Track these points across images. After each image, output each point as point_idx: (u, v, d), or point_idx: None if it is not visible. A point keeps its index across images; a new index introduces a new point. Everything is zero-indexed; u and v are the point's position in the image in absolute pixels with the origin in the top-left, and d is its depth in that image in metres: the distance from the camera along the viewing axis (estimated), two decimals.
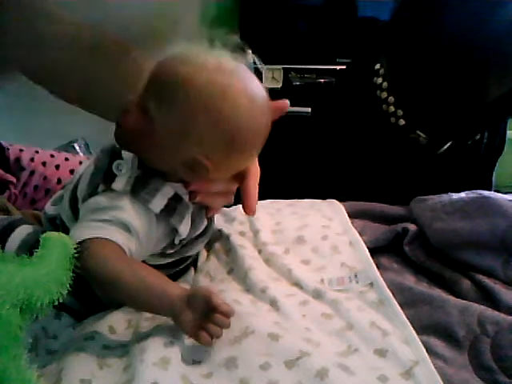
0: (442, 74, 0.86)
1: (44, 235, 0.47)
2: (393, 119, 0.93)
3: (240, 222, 0.73)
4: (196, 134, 0.52)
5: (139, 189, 0.54)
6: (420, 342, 0.51)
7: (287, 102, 0.61)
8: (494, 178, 1.07)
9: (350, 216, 0.74)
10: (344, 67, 1.27)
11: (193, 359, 0.49)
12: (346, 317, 0.54)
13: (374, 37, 1.04)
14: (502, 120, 1.02)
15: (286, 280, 0.61)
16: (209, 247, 0.69)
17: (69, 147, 1.94)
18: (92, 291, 0.55)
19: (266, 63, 1.68)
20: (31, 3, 0.68)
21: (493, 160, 1.06)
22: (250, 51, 1.53)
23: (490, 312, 0.54)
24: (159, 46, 0.54)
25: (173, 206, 0.55)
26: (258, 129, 0.54)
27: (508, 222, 0.61)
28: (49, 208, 0.63)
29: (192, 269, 0.67)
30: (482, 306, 0.55)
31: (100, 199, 0.54)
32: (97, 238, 0.51)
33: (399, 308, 0.55)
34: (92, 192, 0.55)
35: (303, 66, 1.76)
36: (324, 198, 0.81)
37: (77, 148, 1.98)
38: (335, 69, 1.66)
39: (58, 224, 0.61)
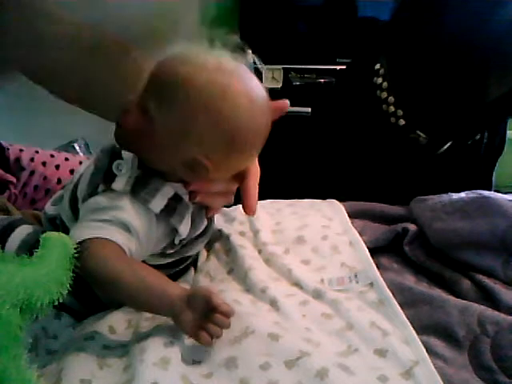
0: (442, 73, 0.86)
1: (44, 235, 0.47)
2: (393, 119, 0.93)
3: (240, 222, 0.73)
4: (196, 133, 0.52)
5: (139, 189, 0.54)
6: (420, 342, 0.51)
7: (287, 101, 0.61)
8: (494, 178, 1.07)
9: (350, 216, 0.74)
10: (344, 67, 1.27)
11: (193, 359, 0.49)
12: (345, 317, 0.54)
13: (373, 37, 1.04)
14: (501, 120, 1.02)
15: (285, 280, 0.61)
16: (209, 247, 0.69)
17: (69, 147, 1.94)
18: (92, 291, 0.55)
19: (266, 63, 1.68)
20: (31, 3, 0.68)
21: (493, 160, 1.06)
22: (250, 51, 1.53)
23: (490, 312, 0.54)
24: (159, 46, 0.54)
25: (173, 206, 0.55)
26: (258, 129, 0.54)
27: (508, 222, 0.61)
28: (49, 208, 0.63)
29: (192, 269, 0.67)
30: (482, 306, 0.55)
31: (100, 199, 0.54)
32: (97, 238, 0.51)
33: (399, 308, 0.55)
34: (92, 192, 0.55)
35: (303, 66, 1.76)
36: (324, 197, 0.81)
37: (77, 148, 1.98)
38: (335, 69, 1.66)
39: (57, 224, 0.61)
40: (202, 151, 0.52)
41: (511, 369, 0.49)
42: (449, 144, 0.95)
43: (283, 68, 1.75)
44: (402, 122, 0.92)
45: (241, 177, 0.59)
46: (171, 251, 0.59)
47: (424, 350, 0.50)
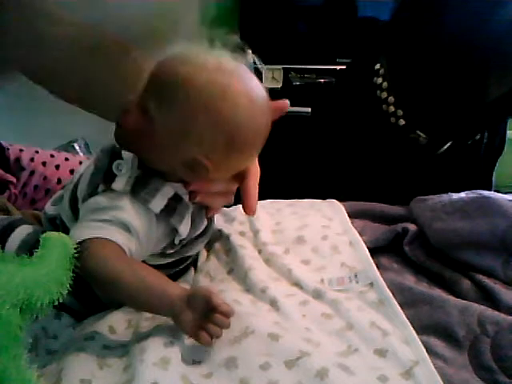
0: (442, 73, 0.86)
1: (44, 235, 0.47)
2: (393, 119, 0.93)
3: (240, 222, 0.73)
4: (196, 133, 0.52)
5: (139, 189, 0.54)
6: (420, 342, 0.51)
7: (287, 101, 0.61)
8: (494, 178, 1.07)
9: (350, 216, 0.74)
10: (344, 67, 1.27)
11: (193, 359, 0.49)
12: (345, 317, 0.54)
13: (374, 37, 1.04)
14: (501, 120, 1.02)
15: (286, 280, 0.61)
16: (209, 247, 0.69)
17: (69, 147, 1.94)
18: (92, 291, 0.55)
19: (266, 63, 1.68)
20: (31, 3, 0.68)
21: (493, 160, 1.06)
22: (250, 51, 1.53)
23: (490, 312, 0.54)
24: (159, 46, 0.54)
25: (173, 206, 0.55)
26: (258, 129, 0.54)
27: (508, 222, 0.61)
28: (49, 208, 0.63)
29: (192, 269, 0.67)
30: (482, 306, 0.55)
31: (100, 199, 0.54)
32: (97, 238, 0.51)
33: (399, 308, 0.55)
34: (92, 192, 0.55)
35: (303, 66, 1.76)
36: (324, 197, 0.81)
37: (77, 148, 1.98)
38: (335, 69, 1.66)
39: (58, 224, 0.61)
40: (201, 151, 0.52)
41: (511, 369, 0.49)
42: (449, 144, 0.95)
43: (283, 68, 1.75)
44: (401, 122, 0.92)
45: (241, 177, 0.59)
46: (171, 251, 0.59)
47: (424, 350, 0.50)
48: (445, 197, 0.72)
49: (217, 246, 0.69)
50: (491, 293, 0.58)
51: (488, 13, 0.82)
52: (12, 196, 0.86)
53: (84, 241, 0.50)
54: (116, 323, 0.56)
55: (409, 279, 0.64)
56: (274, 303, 0.56)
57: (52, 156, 0.95)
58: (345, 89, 1.09)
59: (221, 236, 0.70)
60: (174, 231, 0.56)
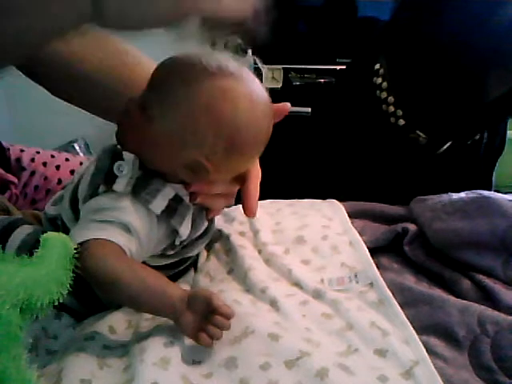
0: (442, 73, 0.86)
1: (44, 235, 0.47)
2: (392, 119, 0.93)
3: (240, 222, 0.73)
4: (197, 135, 0.52)
5: (140, 189, 0.54)
6: (420, 342, 0.51)
7: (288, 104, 0.61)
8: (494, 178, 1.07)
9: (350, 216, 0.74)
10: (344, 67, 1.27)
11: (193, 359, 0.49)
12: (346, 317, 0.54)
13: (373, 37, 1.04)
14: (501, 120, 1.02)
15: (286, 280, 0.61)
16: (209, 247, 0.69)
17: (69, 147, 1.95)
18: (92, 291, 0.55)
19: (266, 63, 1.68)
20: None
21: (493, 160, 1.05)
22: (250, 51, 1.54)
23: (489, 312, 0.54)
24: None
25: (173, 207, 0.55)
26: (259, 131, 0.54)
27: (508, 221, 0.61)
28: (49, 208, 0.63)
29: (192, 269, 0.67)
30: (482, 306, 0.55)
31: (101, 200, 0.54)
32: (97, 238, 0.51)
33: (399, 308, 0.55)
34: (93, 193, 0.55)
35: (303, 66, 1.76)
36: (324, 197, 0.81)
37: (77, 148, 1.99)
38: (335, 69, 1.66)
39: (58, 224, 0.61)
40: (202, 153, 0.52)
41: (511, 369, 0.49)
42: (449, 144, 0.95)
43: (283, 68, 1.76)
44: (401, 121, 0.92)
45: (242, 179, 0.59)
46: (171, 252, 0.59)
47: (424, 350, 0.50)
48: (445, 197, 0.71)
49: (217, 246, 0.69)
50: (491, 293, 0.58)
51: (488, 13, 0.82)
52: (13, 196, 0.86)
53: (84, 241, 0.50)
54: (116, 323, 0.56)
55: (409, 279, 0.64)
56: (273, 303, 0.56)
57: (52, 156, 0.95)
58: (345, 89, 1.09)
59: (221, 236, 0.70)
60: (175, 232, 0.56)
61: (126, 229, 0.53)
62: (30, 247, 0.55)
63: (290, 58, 1.75)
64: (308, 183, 1.06)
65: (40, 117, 1.89)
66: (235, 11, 0.45)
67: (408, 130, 0.93)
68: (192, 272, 0.66)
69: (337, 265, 0.64)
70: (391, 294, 0.57)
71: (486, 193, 0.67)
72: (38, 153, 0.94)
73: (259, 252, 0.67)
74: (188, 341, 0.50)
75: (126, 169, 0.53)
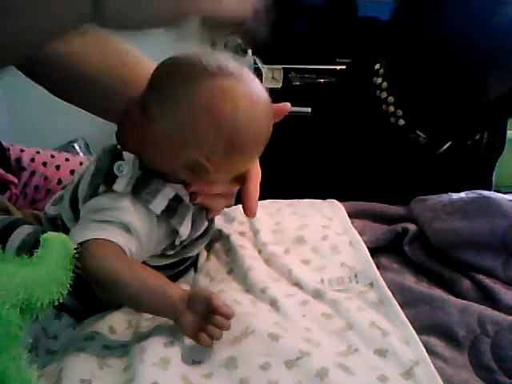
0: (442, 73, 0.86)
1: (44, 235, 0.47)
2: (392, 119, 0.93)
3: (240, 222, 0.73)
4: (197, 135, 0.52)
5: (140, 189, 0.54)
6: (420, 342, 0.51)
7: (288, 104, 0.61)
8: (494, 178, 1.07)
9: (350, 216, 0.74)
10: (344, 67, 1.27)
11: (193, 359, 0.49)
12: (346, 317, 0.54)
13: (373, 37, 1.04)
14: (501, 120, 1.02)
15: (286, 280, 0.61)
16: (209, 247, 0.69)
17: (69, 147, 1.95)
18: (92, 291, 0.55)
19: (266, 63, 1.68)
20: None
21: (493, 160, 1.05)
22: (250, 51, 1.54)
23: (489, 312, 0.54)
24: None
25: (173, 207, 0.55)
26: (259, 131, 0.54)
27: (508, 221, 0.61)
28: (49, 208, 0.63)
29: (192, 269, 0.67)
30: (482, 306, 0.55)
31: (101, 200, 0.54)
32: (97, 238, 0.51)
33: (399, 308, 0.55)
34: (93, 193, 0.55)
35: (303, 66, 1.76)
36: (324, 198, 0.81)
37: (77, 148, 1.99)
38: (335, 69, 1.66)
39: (58, 224, 0.61)
40: (202, 153, 0.52)
41: (511, 369, 0.49)
42: (448, 144, 0.95)
43: (283, 68, 1.76)
44: (401, 121, 0.92)
45: (242, 179, 0.59)
46: (171, 252, 0.59)
47: (424, 350, 0.50)
48: (445, 197, 0.71)
49: (217, 246, 0.69)
50: (491, 293, 0.58)
51: (488, 13, 0.82)
52: (13, 196, 0.86)
53: (84, 241, 0.50)
54: (116, 323, 0.56)
55: (409, 279, 0.64)
56: (274, 303, 0.56)
57: (52, 156, 0.95)
58: (345, 89, 1.09)
59: (221, 236, 0.70)
60: (175, 232, 0.56)
61: (126, 229, 0.53)
62: (30, 247, 0.55)
63: (290, 57, 1.75)
64: (308, 183, 1.06)
65: (40, 117, 1.90)
66: (235, 11, 0.45)
67: (408, 130, 0.93)
68: (192, 272, 0.66)
69: (337, 265, 0.64)
70: (391, 294, 0.57)
71: (486, 193, 0.67)
72: (38, 153, 0.94)
73: (259, 252, 0.67)
74: (188, 341, 0.50)
75: (126, 169, 0.53)
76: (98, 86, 0.69)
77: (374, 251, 0.66)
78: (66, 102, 0.75)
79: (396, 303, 0.56)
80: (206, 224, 0.61)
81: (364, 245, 0.66)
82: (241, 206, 0.60)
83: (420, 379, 0.46)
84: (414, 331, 0.52)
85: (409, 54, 0.91)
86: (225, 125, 0.51)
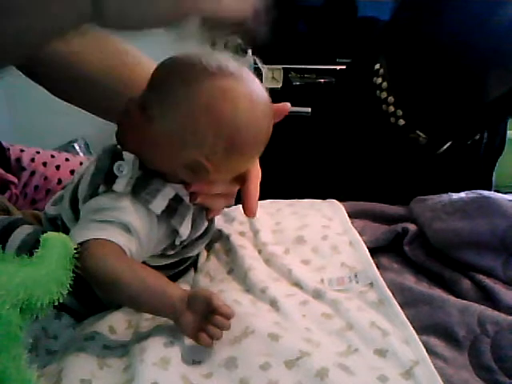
0: (442, 73, 0.86)
1: (44, 235, 0.47)
2: (392, 119, 0.93)
3: (240, 222, 0.73)
4: (197, 135, 0.52)
5: (140, 189, 0.54)
6: (420, 342, 0.51)
7: (288, 104, 0.61)
8: (494, 178, 1.07)
9: (350, 216, 0.74)
10: (344, 67, 1.27)
11: (193, 359, 0.49)
12: (346, 317, 0.54)
13: (373, 37, 1.04)
14: (501, 120, 1.02)
15: (286, 280, 0.61)
16: (209, 247, 0.69)
17: (69, 147, 1.95)
18: (92, 291, 0.55)
19: (266, 63, 1.68)
20: None
21: (493, 160, 1.05)
22: (250, 51, 1.54)
23: (489, 312, 0.54)
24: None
25: (173, 207, 0.55)
26: (259, 131, 0.54)
27: (508, 221, 0.61)
28: (49, 208, 0.63)
29: (192, 269, 0.67)
30: (482, 306, 0.55)
31: (101, 200, 0.54)
32: (97, 238, 0.51)
33: (399, 308, 0.55)
34: (93, 193, 0.55)
35: (303, 66, 1.76)
36: (324, 198, 0.81)
37: (77, 148, 1.99)
38: (335, 69, 1.66)
39: (58, 224, 0.61)
40: (202, 153, 0.52)
41: (511, 369, 0.49)
42: (448, 144, 0.95)
43: (283, 68, 1.76)
44: (401, 121, 0.92)
45: (242, 179, 0.59)
46: (171, 252, 0.59)
47: (424, 350, 0.50)
48: (445, 197, 0.71)
49: (217, 246, 0.69)
50: (491, 293, 0.58)
51: (488, 13, 0.82)
52: (13, 196, 0.86)
53: (84, 241, 0.50)
54: (116, 323, 0.56)
55: (409, 279, 0.64)
56: (274, 303, 0.56)
57: (52, 156, 0.95)
58: (345, 89, 1.09)
59: (221, 236, 0.70)
60: (175, 232, 0.56)
61: (126, 229, 0.53)
62: (30, 247, 0.55)
63: (290, 57, 1.75)
64: (308, 183, 1.06)
65: (40, 117, 1.90)
66: (235, 11, 0.45)
67: (408, 130, 0.93)
68: (192, 272, 0.66)
69: (337, 265, 0.64)
70: (391, 294, 0.57)
71: (486, 193, 0.67)
72: (38, 153, 0.94)
73: (259, 252, 0.67)
74: (188, 341, 0.50)
75: (125, 169, 0.53)
76: (98, 85, 0.69)
77: (374, 251, 0.66)
78: (65, 102, 0.75)
79: (396, 303, 0.56)
80: (206, 224, 0.61)
81: (364, 245, 0.66)
82: (241, 206, 0.60)
83: (420, 379, 0.46)
84: (413, 331, 0.52)
85: (409, 54, 0.91)
86: (225, 125, 0.51)
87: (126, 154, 0.54)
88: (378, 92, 0.94)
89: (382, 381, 0.46)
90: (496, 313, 0.54)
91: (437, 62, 0.86)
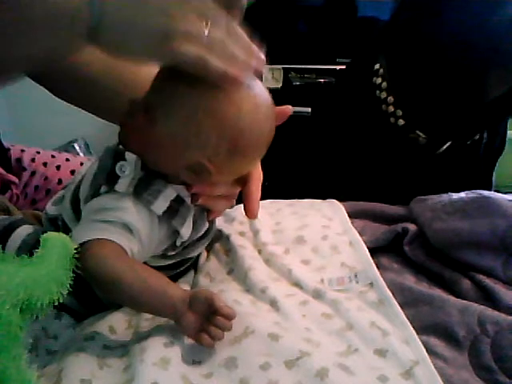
0: (442, 73, 0.86)
1: (44, 235, 0.47)
2: (392, 119, 0.93)
3: (240, 222, 0.73)
4: (199, 137, 0.52)
5: (142, 190, 0.54)
6: (420, 342, 0.51)
7: (290, 107, 0.61)
8: (494, 178, 1.07)
9: (350, 216, 0.74)
10: (344, 67, 1.27)
11: (193, 359, 0.49)
12: (346, 317, 0.54)
13: (373, 37, 1.04)
14: (501, 120, 1.02)
15: (286, 280, 0.61)
16: (209, 247, 0.69)
17: (69, 147, 1.95)
18: (92, 291, 0.55)
19: (266, 63, 1.68)
20: None
21: (493, 160, 1.05)
22: None
23: (489, 312, 0.54)
24: None
25: (175, 208, 0.55)
26: (262, 133, 0.54)
27: (508, 221, 0.61)
28: (49, 208, 0.63)
29: (192, 269, 0.67)
30: (482, 306, 0.55)
31: (103, 200, 0.54)
32: (99, 239, 0.51)
33: (399, 308, 0.55)
34: (94, 193, 0.55)
35: (303, 66, 1.76)
36: (324, 198, 0.81)
37: (77, 148, 1.99)
38: (335, 69, 1.66)
39: (58, 224, 0.61)
40: (205, 154, 0.52)
41: (511, 369, 0.49)
42: (448, 144, 0.95)
43: (283, 68, 1.75)
44: (401, 121, 0.92)
45: (243, 180, 0.59)
46: (172, 253, 0.59)
47: (424, 350, 0.50)
48: (445, 197, 0.72)
49: (217, 246, 0.69)
50: (491, 293, 0.58)
51: (487, 12, 0.82)
52: (13, 196, 0.86)
53: (86, 241, 0.51)
54: (116, 323, 0.56)
55: (409, 279, 0.64)
56: (274, 303, 0.56)
57: (53, 156, 0.95)
58: (345, 89, 1.09)
59: (221, 236, 0.70)
60: (176, 233, 0.56)
61: (127, 229, 0.53)
62: (30, 247, 0.55)
63: (290, 58, 1.74)
64: (308, 183, 1.06)
65: (40, 117, 1.90)
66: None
67: (408, 130, 0.93)
68: (192, 272, 0.66)
69: (337, 265, 0.64)
70: (391, 294, 0.57)
71: (486, 193, 0.67)
72: (39, 153, 0.94)
73: (259, 252, 0.67)
74: (188, 341, 0.50)
75: (128, 169, 0.53)
76: (98, 86, 0.69)
77: (374, 251, 0.66)
78: (66, 102, 0.75)
79: (396, 303, 0.56)
80: (206, 225, 0.61)
81: (364, 245, 0.66)
82: (240, 205, 0.60)
83: (420, 379, 0.46)
84: (413, 331, 0.52)
85: (408, 54, 0.91)
86: (228, 127, 0.51)
87: (128, 155, 0.54)
88: (377, 92, 0.94)
89: (382, 381, 0.46)
90: (496, 313, 0.54)
91: (437, 61, 0.86)
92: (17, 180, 0.88)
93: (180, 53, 0.45)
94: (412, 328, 0.52)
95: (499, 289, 0.59)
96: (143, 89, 0.54)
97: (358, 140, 1.00)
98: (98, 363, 0.49)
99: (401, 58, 0.93)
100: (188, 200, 0.56)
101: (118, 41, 0.45)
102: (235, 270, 0.64)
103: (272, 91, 0.55)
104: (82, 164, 0.95)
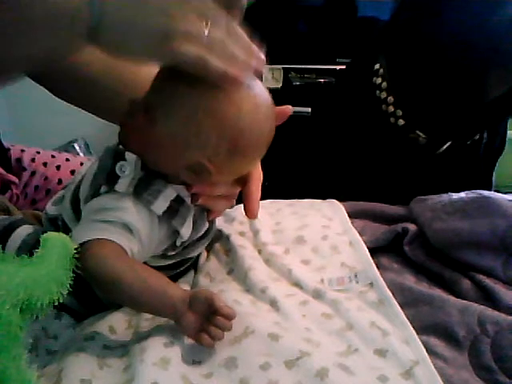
0: (442, 73, 0.86)
1: (44, 235, 0.47)
2: (392, 119, 0.93)
3: (240, 222, 0.73)
4: (199, 137, 0.52)
5: (142, 190, 0.54)
6: (420, 342, 0.51)
7: (290, 107, 0.61)
8: (494, 178, 1.07)
9: (350, 216, 0.74)
10: (344, 67, 1.27)
11: (193, 359, 0.49)
12: (346, 317, 0.54)
13: (373, 37, 1.04)
14: (501, 120, 1.02)
15: (286, 280, 0.61)
16: (209, 247, 0.69)
17: (69, 147, 1.95)
18: (92, 291, 0.55)
19: (266, 63, 1.68)
20: None
21: (493, 160, 1.05)
22: None
23: (489, 312, 0.54)
24: None
25: (175, 208, 0.55)
26: (262, 133, 0.54)
27: (508, 221, 0.61)
28: (49, 208, 0.63)
29: (192, 269, 0.67)
30: (482, 306, 0.55)
31: (103, 200, 0.54)
32: (99, 239, 0.51)
33: (399, 308, 0.55)
34: (94, 193, 0.55)
35: (303, 66, 1.76)
36: (324, 198, 0.81)
37: (77, 148, 1.99)
38: (335, 69, 1.66)
39: (58, 224, 0.61)
40: (205, 154, 0.52)
41: (511, 369, 0.49)
42: (448, 144, 0.95)
43: (283, 68, 1.75)
44: (401, 121, 0.92)
45: (243, 181, 0.59)
46: (172, 253, 0.59)
47: (424, 350, 0.50)
48: (445, 197, 0.72)
49: (217, 246, 0.69)
50: (491, 293, 0.58)
51: (487, 12, 0.82)
52: (13, 196, 0.86)
53: (86, 241, 0.51)
54: (116, 323, 0.56)
55: (409, 279, 0.64)
56: (274, 303, 0.56)
57: (53, 156, 0.95)
58: (345, 89, 1.09)
59: (221, 236, 0.70)
60: (176, 233, 0.56)
61: (127, 229, 0.53)
62: (30, 247, 0.55)
63: (290, 57, 1.74)
64: (308, 183, 1.06)
65: (40, 117, 1.90)
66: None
67: (408, 130, 0.93)
68: (192, 272, 0.66)
69: (337, 265, 0.64)
70: (391, 294, 0.57)
71: (486, 193, 0.67)
72: (39, 153, 0.94)
73: (259, 252, 0.67)
74: (188, 341, 0.50)
75: (128, 169, 0.53)
76: (98, 86, 0.69)
77: (374, 251, 0.66)
78: (66, 102, 0.75)
79: (396, 303, 0.56)
80: (206, 225, 0.61)
81: (364, 245, 0.66)
82: (240, 205, 0.60)
83: (420, 379, 0.46)
84: (413, 331, 0.52)
85: (409, 54, 0.91)
86: (228, 127, 0.51)
87: (129, 155, 0.54)
88: (377, 92, 0.94)
89: (382, 381, 0.46)
90: (496, 313, 0.54)
91: (437, 61, 0.86)
92: (17, 180, 0.88)
93: (180, 53, 0.45)
94: (412, 328, 0.52)
95: (499, 289, 0.59)
96: (143, 89, 0.54)
97: (358, 140, 1.00)
98: (98, 363, 0.49)
99: (401, 58, 0.93)
100: (188, 200, 0.56)
101: (118, 41, 0.46)
102: (235, 270, 0.64)
103: (272, 91, 0.55)
104: (82, 164, 0.95)
